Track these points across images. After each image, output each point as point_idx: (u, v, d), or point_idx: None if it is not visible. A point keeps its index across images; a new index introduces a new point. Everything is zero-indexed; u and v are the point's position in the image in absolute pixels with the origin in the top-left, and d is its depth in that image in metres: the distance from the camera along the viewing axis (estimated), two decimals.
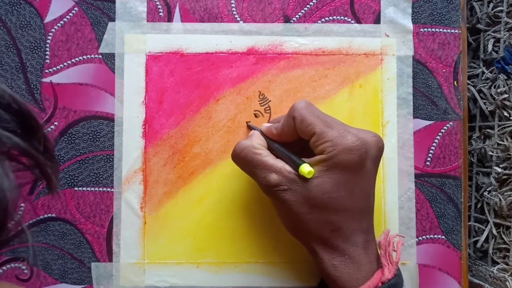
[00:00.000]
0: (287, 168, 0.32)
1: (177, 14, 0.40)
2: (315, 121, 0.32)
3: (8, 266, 0.39)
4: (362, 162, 0.31)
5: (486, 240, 0.43)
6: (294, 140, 0.34)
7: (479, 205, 0.45)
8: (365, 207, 0.33)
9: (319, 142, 0.31)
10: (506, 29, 0.42)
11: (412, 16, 0.40)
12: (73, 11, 0.40)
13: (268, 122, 0.40)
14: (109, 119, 0.39)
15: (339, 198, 0.31)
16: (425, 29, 0.41)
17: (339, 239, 0.32)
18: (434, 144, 0.40)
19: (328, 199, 0.31)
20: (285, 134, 0.34)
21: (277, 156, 0.34)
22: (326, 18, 0.40)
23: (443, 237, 0.40)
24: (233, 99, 0.40)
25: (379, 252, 0.34)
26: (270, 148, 0.35)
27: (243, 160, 0.34)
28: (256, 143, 0.34)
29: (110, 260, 0.39)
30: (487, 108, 0.44)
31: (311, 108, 0.33)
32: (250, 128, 0.39)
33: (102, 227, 0.39)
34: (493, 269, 0.42)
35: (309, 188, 0.31)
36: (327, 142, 0.31)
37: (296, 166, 0.32)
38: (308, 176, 0.31)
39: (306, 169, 0.31)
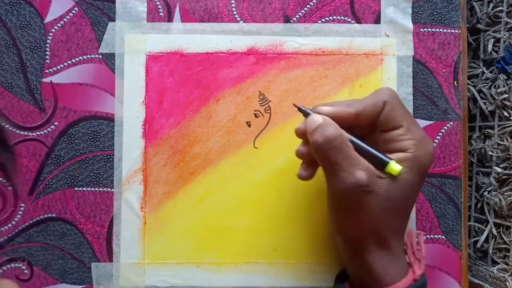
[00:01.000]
0: (371, 167, 0.30)
1: (177, 14, 0.40)
2: (405, 113, 0.30)
3: (8, 266, 0.39)
4: (428, 170, 0.31)
5: (486, 240, 0.43)
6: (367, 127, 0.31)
7: (479, 205, 0.45)
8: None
9: (405, 136, 0.30)
10: (506, 29, 0.42)
11: (412, 16, 0.40)
12: (73, 11, 0.40)
13: (268, 124, 0.40)
14: (109, 119, 0.39)
15: (411, 201, 0.31)
16: (425, 29, 0.41)
17: (394, 238, 0.31)
18: (434, 144, 0.40)
19: (405, 201, 0.31)
20: (363, 117, 0.31)
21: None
22: (326, 18, 0.40)
23: (443, 237, 0.40)
24: (233, 99, 0.40)
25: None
26: None
27: (334, 148, 0.29)
28: (345, 133, 0.30)
29: (110, 260, 0.39)
30: (487, 108, 0.44)
31: (399, 99, 0.31)
32: (303, 112, 0.33)
33: (102, 227, 0.39)
34: (493, 269, 0.42)
35: (393, 190, 0.30)
36: (413, 140, 0.30)
37: (381, 163, 0.29)
38: (396, 174, 0.29)
39: (396, 167, 0.29)
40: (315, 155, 0.31)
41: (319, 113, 0.31)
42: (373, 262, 0.31)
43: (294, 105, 0.34)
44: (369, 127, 0.32)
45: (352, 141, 0.30)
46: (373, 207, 0.30)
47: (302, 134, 0.32)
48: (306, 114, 0.33)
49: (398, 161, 0.30)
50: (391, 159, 0.30)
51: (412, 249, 0.34)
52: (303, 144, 0.33)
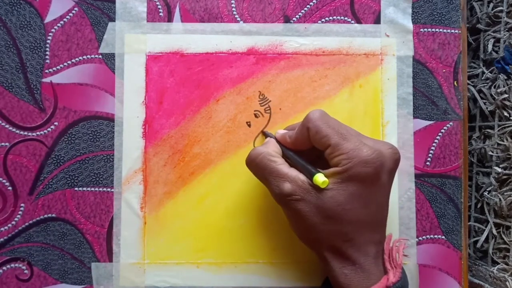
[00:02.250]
0: (301, 177, 0.32)
1: (177, 14, 0.40)
2: (330, 133, 0.31)
3: (8, 266, 0.39)
4: (377, 175, 0.31)
5: (486, 240, 0.43)
6: (309, 149, 0.34)
7: (479, 205, 0.45)
8: (379, 219, 0.33)
9: (334, 154, 0.31)
10: (506, 29, 0.42)
11: (412, 16, 0.40)
12: (73, 11, 0.40)
13: (268, 124, 0.40)
14: (109, 119, 0.39)
15: (353, 210, 0.31)
16: (425, 29, 0.41)
17: (351, 249, 0.32)
18: (434, 144, 0.40)
19: (342, 211, 0.31)
20: (299, 143, 0.34)
21: (292, 164, 0.34)
22: (326, 18, 0.40)
23: (443, 237, 0.40)
24: (233, 99, 0.40)
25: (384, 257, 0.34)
26: (284, 156, 0.35)
27: (258, 166, 0.34)
28: (272, 150, 0.34)
29: (110, 260, 0.39)
30: (487, 108, 0.44)
31: (326, 119, 0.32)
32: (265, 135, 0.39)
33: (102, 227, 0.39)
34: (493, 269, 0.42)
35: (323, 199, 0.31)
36: (342, 155, 0.31)
37: (310, 176, 0.32)
38: (322, 186, 0.31)
39: (320, 179, 0.31)
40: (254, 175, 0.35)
41: (275, 136, 0.37)
42: (335, 273, 0.33)
43: (262, 131, 0.40)
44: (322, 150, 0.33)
45: (288, 157, 0.34)
46: (307, 214, 0.32)
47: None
48: (266, 136, 0.38)
49: (329, 175, 0.31)
50: (318, 171, 0.32)
51: (390, 255, 0.33)
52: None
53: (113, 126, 0.39)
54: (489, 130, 0.44)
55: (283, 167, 0.33)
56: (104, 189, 0.39)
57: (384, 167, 0.31)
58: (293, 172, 0.32)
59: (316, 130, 0.32)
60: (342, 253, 0.32)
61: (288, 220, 0.35)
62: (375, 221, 0.33)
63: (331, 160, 0.32)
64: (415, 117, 0.40)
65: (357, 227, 0.32)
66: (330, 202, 0.31)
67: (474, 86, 0.45)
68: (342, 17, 0.40)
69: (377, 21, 0.40)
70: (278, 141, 0.36)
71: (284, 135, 0.35)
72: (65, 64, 0.39)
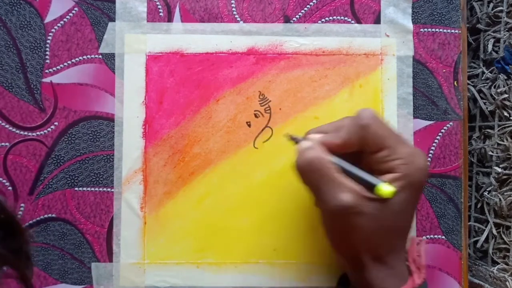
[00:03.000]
0: (359, 187, 0.29)
1: (177, 14, 0.40)
2: (387, 134, 0.30)
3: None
4: (424, 184, 0.31)
5: (486, 240, 0.43)
6: (351, 152, 0.31)
7: (479, 205, 0.45)
8: (411, 225, 0.33)
9: (391, 157, 0.29)
10: (506, 29, 0.42)
11: (412, 16, 0.40)
12: (73, 11, 0.40)
13: (268, 124, 0.40)
14: (109, 119, 0.39)
15: (404, 219, 0.31)
16: (425, 29, 0.41)
17: (392, 255, 0.31)
18: (434, 144, 0.40)
19: (396, 220, 0.30)
20: (348, 145, 0.31)
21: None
22: (326, 18, 0.40)
23: (443, 237, 0.40)
24: (233, 99, 0.40)
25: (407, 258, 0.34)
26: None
27: (315, 172, 0.30)
28: (327, 155, 0.30)
29: (110, 260, 0.39)
30: (487, 108, 0.44)
31: (380, 119, 0.30)
32: (294, 140, 0.34)
33: (102, 227, 0.39)
34: (493, 269, 0.42)
35: (383, 210, 0.29)
36: (400, 159, 0.29)
37: (369, 185, 0.29)
38: (390, 197, 0.28)
39: (386, 189, 0.28)
40: (301, 180, 0.31)
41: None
42: (370, 277, 0.31)
43: (288, 134, 0.34)
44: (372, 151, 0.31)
45: (340, 164, 0.30)
46: (364, 228, 0.29)
47: None
48: (297, 142, 0.33)
49: (389, 183, 0.29)
50: (380, 181, 0.29)
51: (412, 257, 0.33)
52: None
53: (113, 126, 0.39)
54: (489, 130, 0.44)
55: (340, 175, 0.30)
56: (104, 189, 0.39)
57: (427, 176, 0.31)
58: (350, 182, 0.29)
59: (375, 129, 0.29)
60: (383, 260, 0.31)
61: (330, 232, 0.32)
62: (410, 227, 0.32)
63: (386, 163, 0.29)
64: (415, 117, 0.40)
65: (402, 235, 0.32)
66: (389, 214, 0.29)
67: (474, 86, 0.45)
68: (342, 17, 0.40)
69: (377, 21, 0.40)
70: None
71: (325, 137, 0.31)
72: (65, 64, 0.39)
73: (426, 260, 0.33)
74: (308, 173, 0.30)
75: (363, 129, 0.30)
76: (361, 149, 0.31)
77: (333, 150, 0.31)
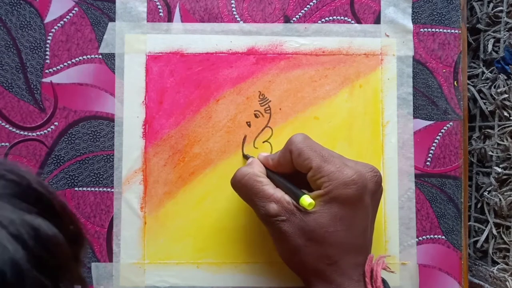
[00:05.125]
0: (287, 198, 0.32)
1: (177, 14, 0.40)
2: (312, 156, 0.32)
3: None
4: (359, 197, 0.31)
5: (486, 240, 0.43)
6: (292, 172, 0.34)
7: (479, 205, 0.45)
8: (362, 242, 0.33)
9: (316, 177, 0.32)
10: (506, 29, 0.42)
11: (412, 16, 0.40)
12: (73, 11, 0.40)
13: (268, 124, 0.40)
14: (109, 119, 0.39)
15: (336, 232, 0.31)
16: (425, 29, 0.41)
17: (335, 273, 0.32)
18: (434, 144, 0.40)
19: (325, 233, 0.31)
20: (281, 166, 0.34)
21: (276, 185, 0.34)
22: (326, 18, 0.40)
23: (443, 237, 0.40)
24: (233, 99, 0.40)
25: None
26: (269, 177, 0.35)
27: (244, 187, 0.34)
28: (258, 171, 0.34)
29: (110, 260, 0.39)
30: (487, 108, 0.44)
31: (308, 142, 0.33)
32: (246, 158, 0.39)
33: (102, 227, 0.39)
34: (493, 269, 0.42)
35: (307, 221, 0.31)
36: (324, 177, 0.31)
37: (296, 197, 0.32)
38: (309, 208, 0.31)
39: (307, 200, 0.31)
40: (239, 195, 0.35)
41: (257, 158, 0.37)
42: None
43: (243, 154, 0.39)
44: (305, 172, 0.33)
45: (273, 178, 0.34)
46: (291, 235, 0.32)
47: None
48: (247, 159, 0.38)
49: (312, 197, 0.31)
50: (304, 193, 0.32)
51: (369, 277, 0.33)
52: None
53: (113, 126, 0.39)
54: (489, 130, 0.44)
55: (269, 187, 0.33)
56: (104, 189, 0.39)
57: (366, 189, 0.32)
58: (279, 193, 0.33)
59: (299, 153, 0.32)
60: (326, 277, 0.32)
61: (274, 242, 0.35)
62: (359, 244, 0.33)
63: (313, 182, 0.32)
64: (415, 117, 0.40)
65: (341, 250, 0.32)
66: (314, 224, 0.31)
67: (474, 86, 0.45)
68: (342, 17, 0.40)
69: (377, 21, 0.40)
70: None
71: (266, 157, 0.36)
72: (65, 64, 0.39)
73: (380, 280, 0.32)
74: (239, 189, 0.34)
75: (290, 153, 0.33)
76: (297, 168, 0.33)
77: (272, 169, 0.35)
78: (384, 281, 0.33)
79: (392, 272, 0.35)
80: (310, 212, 0.31)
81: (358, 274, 0.32)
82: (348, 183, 0.31)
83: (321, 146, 0.33)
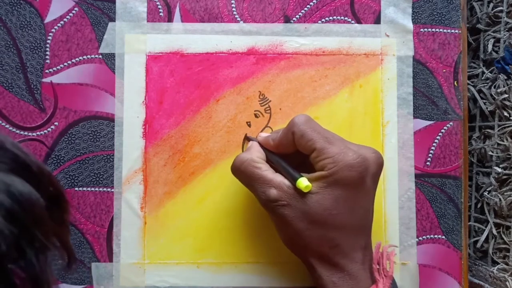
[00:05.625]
0: (286, 183, 0.32)
1: (177, 14, 0.40)
2: (315, 137, 0.32)
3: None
4: (362, 179, 0.31)
5: (486, 240, 0.43)
6: (293, 153, 0.34)
7: (479, 205, 0.45)
8: (364, 224, 0.33)
9: (319, 158, 0.31)
10: (506, 29, 0.42)
11: (412, 16, 0.40)
12: (73, 11, 0.40)
13: (268, 124, 0.40)
14: (109, 119, 0.39)
15: (338, 215, 0.31)
16: (425, 29, 0.41)
17: (338, 255, 0.32)
18: (434, 144, 0.40)
19: (327, 216, 0.31)
20: (282, 147, 0.34)
21: (276, 169, 0.34)
22: (326, 18, 0.40)
23: (443, 237, 0.40)
24: (233, 99, 0.40)
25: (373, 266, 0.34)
26: (268, 161, 0.35)
27: (243, 173, 0.34)
28: (256, 156, 0.34)
29: (110, 260, 0.39)
30: (487, 108, 0.44)
31: (311, 123, 0.32)
32: (248, 139, 0.39)
33: (102, 227, 0.39)
34: (493, 269, 0.42)
35: (309, 203, 0.31)
36: (328, 159, 0.31)
37: (293, 180, 0.32)
38: (305, 191, 0.31)
39: (304, 183, 0.31)
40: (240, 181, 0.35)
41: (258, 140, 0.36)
42: (322, 280, 0.32)
43: (245, 135, 0.39)
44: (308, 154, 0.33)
45: (272, 161, 0.34)
46: (293, 219, 0.32)
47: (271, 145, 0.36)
48: (249, 141, 0.38)
49: (315, 178, 0.31)
50: (301, 175, 0.31)
51: (378, 265, 0.33)
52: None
53: (113, 126, 0.39)
54: (489, 130, 0.44)
55: (268, 173, 0.33)
56: (104, 189, 0.39)
57: (369, 172, 0.32)
58: (278, 178, 0.32)
59: (302, 134, 0.32)
60: (329, 260, 0.32)
61: (275, 227, 0.35)
62: (361, 226, 0.33)
63: (316, 164, 0.32)
64: (415, 117, 0.40)
65: (343, 232, 0.32)
66: (316, 206, 0.31)
67: (474, 86, 0.45)
68: (342, 17, 0.40)
69: (377, 21, 0.40)
70: (262, 146, 0.36)
71: (267, 138, 0.35)
72: (65, 64, 0.39)
73: (392, 269, 0.33)
74: (239, 175, 0.34)
75: (293, 135, 0.32)
76: (299, 149, 0.33)
77: (272, 150, 0.35)
78: (393, 281, 0.33)
79: (395, 263, 0.34)
80: (312, 195, 0.31)
81: (361, 256, 0.32)
82: (352, 165, 0.31)
83: (324, 128, 0.33)
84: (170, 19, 0.40)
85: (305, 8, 0.40)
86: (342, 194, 0.31)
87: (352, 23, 0.40)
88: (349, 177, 0.31)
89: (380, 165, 0.33)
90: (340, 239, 0.32)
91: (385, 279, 0.32)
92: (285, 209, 0.32)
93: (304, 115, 0.33)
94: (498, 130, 0.43)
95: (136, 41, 0.40)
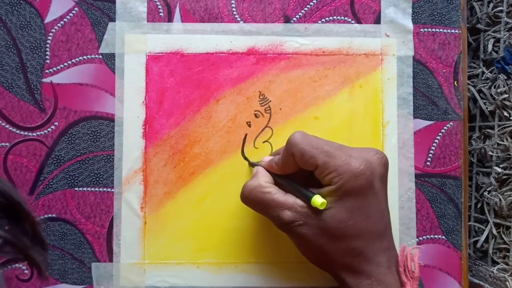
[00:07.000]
0: (299, 202, 0.32)
1: (177, 14, 0.40)
2: (315, 153, 0.31)
3: (8, 266, 0.39)
4: (370, 184, 0.31)
5: (486, 240, 0.43)
6: (300, 169, 0.34)
7: (479, 205, 0.45)
8: (383, 227, 0.33)
9: (324, 173, 0.31)
10: (506, 29, 0.42)
11: (412, 16, 0.40)
12: (73, 11, 0.40)
13: (268, 124, 0.40)
14: (109, 119, 0.39)
15: (355, 224, 0.31)
16: (425, 29, 0.41)
17: (363, 262, 0.32)
18: (434, 144, 0.40)
19: (345, 227, 0.31)
20: (286, 168, 0.34)
21: (286, 190, 0.33)
22: (326, 18, 0.40)
23: (443, 237, 0.40)
24: (233, 99, 0.40)
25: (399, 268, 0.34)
26: (277, 183, 0.34)
27: (254, 201, 0.34)
28: (263, 181, 0.34)
29: (111, 260, 0.39)
30: (487, 108, 0.44)
31: (307, 139, 0.32)
32: (252, 165, 0.39)
33: (102, 227, 0.39)
34: (493, 269, 0.42)
35: (325, 219, 0.31)
36: (332, 173, 0.31)
37: (307, 199, 0.31)
38: (322, 208, 0.31)
39: (318, 200, 0.31)
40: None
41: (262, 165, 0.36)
42: None
43: (245, 158, 0.39)
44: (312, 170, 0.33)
45: (281, 183, 0.34)
46: (313, 237, 0.32)
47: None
48: (253, 166, 0.38)
49: (325, 194, 0.31)
50: (314, 194, 0.31)
51: (404, 267, 0.33)
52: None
53: (113, 126, 0.39)
54: (489, 130, 0.44)
55: (279, 195, 0.33)
56: (104, 189, 0.39)
57: (375, 175, 0.32)
58: (291, 199, 0.32)
59: (301, 153, 0.32)
60: (355, 269, 0.32)
61: (299, 248, 0.35)
62: (380, 229, 0.33)
63: (323, 179, 0.32)
64: (415, 117, 0.40)
65: (363, 239, 0.32)
66: (332, 221, 0.31)
67: (474, 86, 0.45)
68: (342, 17, 0.40)
69: (377, 21, 0.40)
70: (267, 169, 0.36)
71: (270, 162, 0.35)
72: (65, 64, 0.39)
73: (419, 271, 0.33)
74: (250, 204, 0.34)
75: (293, 156, 0.32)
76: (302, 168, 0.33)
77: (277, 173, 0.35)
78: (420, 282, 0.33)
79: (422, 265, 0.34)
80: (326, 210, 0.31)
81: (386, 259, 0.32)
82: (357, 174, 0.31)
83: (321, 140, 0.33)
84: (170, 19, 0.40)
85: (305, 8, 0.40)
86: (354, 204, 0.31)
87: (352, 23, 0.40)
88: (357, 186, 0.31)
89: (384, 165, 0.33)
90: (362, 247, 0.32)
91: (412, 281, 0.32)
92: (303, 229, 0.32)
93: (299, 133, 0.33)
94: (498, 130, 0.43)
95: (136, 41, 0.40)
